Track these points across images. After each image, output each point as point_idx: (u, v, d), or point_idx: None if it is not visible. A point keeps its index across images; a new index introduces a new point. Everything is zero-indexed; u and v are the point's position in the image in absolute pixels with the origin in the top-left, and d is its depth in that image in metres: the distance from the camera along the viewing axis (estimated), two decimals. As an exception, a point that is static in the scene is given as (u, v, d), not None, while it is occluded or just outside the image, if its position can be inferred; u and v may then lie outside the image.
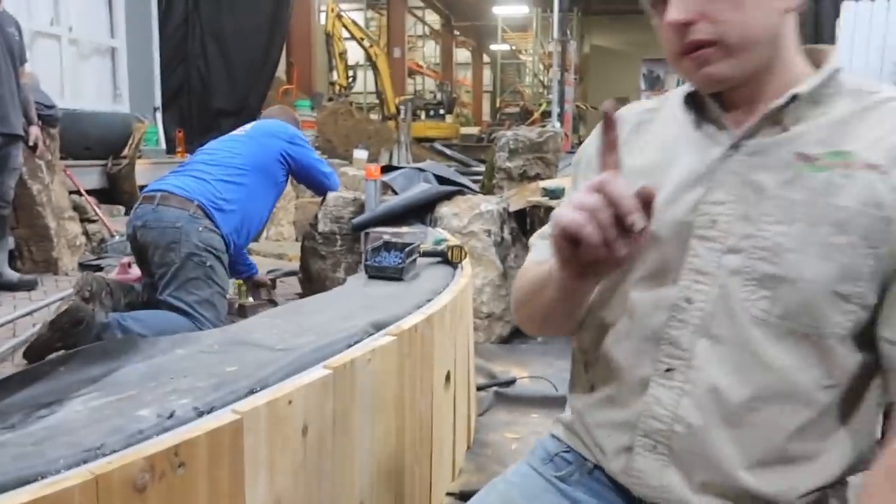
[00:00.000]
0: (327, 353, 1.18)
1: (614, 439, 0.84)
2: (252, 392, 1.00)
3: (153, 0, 7.78)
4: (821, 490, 0.77)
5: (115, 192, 5.39)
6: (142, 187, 5.39)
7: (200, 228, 2.59)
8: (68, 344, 2.24)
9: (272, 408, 0.97)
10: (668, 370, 0.78)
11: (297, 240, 6.33)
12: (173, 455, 0.83)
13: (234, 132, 3.09)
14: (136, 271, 3.08)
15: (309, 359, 1.14)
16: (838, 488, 0.80)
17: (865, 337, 0.74)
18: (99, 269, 4.03)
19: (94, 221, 4.79)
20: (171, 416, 0.90)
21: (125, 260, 3.29)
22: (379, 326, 1.35)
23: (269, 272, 4.11)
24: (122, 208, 5.29)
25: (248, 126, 3.11)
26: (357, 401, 1.19)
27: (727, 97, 0.81)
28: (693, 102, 0.84)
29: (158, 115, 7.86)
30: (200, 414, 0.93)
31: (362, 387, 1.20)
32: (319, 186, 3.20)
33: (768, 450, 0.75)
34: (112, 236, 4.65)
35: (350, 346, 1.24)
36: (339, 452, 1.14)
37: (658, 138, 0.86)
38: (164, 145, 7.44)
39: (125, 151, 5.46)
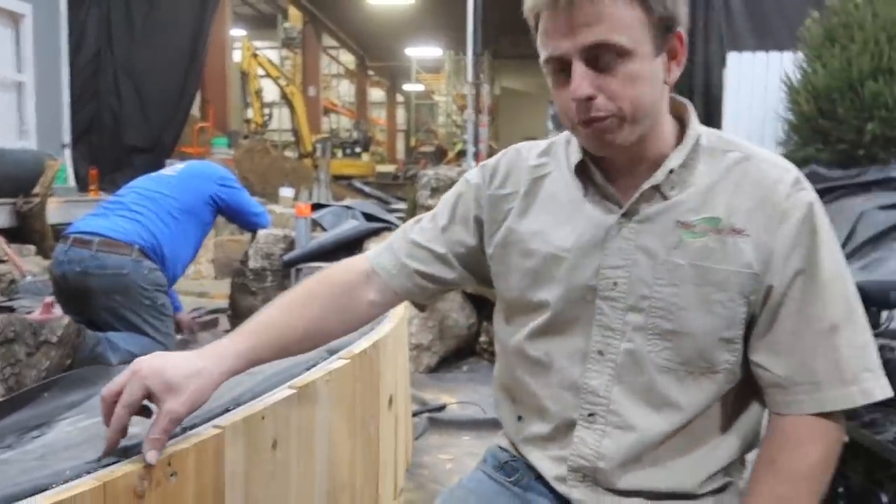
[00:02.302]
0: (289, 376, 1.29)
1: (549, 468, 0.98)
2: (228, 410, 1.10)
3: (63, 34, 7.62)
4: (718, 472, 0.94)
5: (26, 230, 5.21)
6: (53, 226, 5.24)
7: (146, 271, 2.62)
8: (74, 358, 2.26)
9: (248, 423, 1.07)
10: (590, 415, 0.93)
11: (216, 278, 6.26)
12: (167, 465, 0.92)
13: (164, 171, 3.12)
14: (58, 311, 3.04)
15: (274, 380, 1.25)
16: (736, 465, 0.97)
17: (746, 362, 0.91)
18: (11, 310, 3.89)
19: (2, 262, 4.62)
20: (158, 431, 0.99)
21: (49, 299, 3.22)
22: (332, 351, 1.47)
23: (193, 311, 4.09)
24: (32, 247, 5.11)
25: (178, 166, 3.15)
26: (317, 419, 1.30)
27: (611, 163, 0.92)
28: (581, 170, 0.94)
29: (67, 152, 7.64)
30: (184, 429, 1.02)
31: (321, 406, 1.31)
32: (250, 226, 3.27)
33: (675, 462, 0.91)
34: (24, 277, 4.49)
35: (308, 368, 1.35)
36: (302, 466, 1.25)
37: (553, 202, 0.97)
38: (73, 183, 7.23)
39: (36, 189, 5.29)
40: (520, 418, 1.03)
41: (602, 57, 0.83)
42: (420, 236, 1.06)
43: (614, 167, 0.93)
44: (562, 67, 0.86)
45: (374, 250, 1.11)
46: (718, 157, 0.91)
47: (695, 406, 0.90)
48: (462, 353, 3.63)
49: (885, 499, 1.03)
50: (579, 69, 0.83)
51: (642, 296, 0.89)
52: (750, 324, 0.89)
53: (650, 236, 0.89)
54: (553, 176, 0.99)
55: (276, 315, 1.02)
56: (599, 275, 0.91)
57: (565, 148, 0.99)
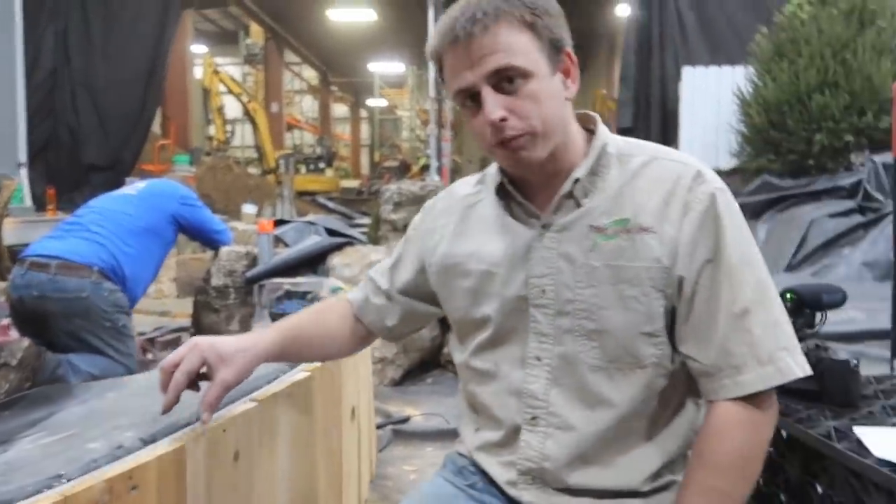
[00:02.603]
0: (251, 388, 1.31)
1: (500, 474, 1.03)
2: (189, 424, 1.12)
3: (18, 50, 7.48)
4: (661, 468, 0.97)
5: (-21, 252, 5.09)
6: (9, 247, 5.13)
7: (106, 293, 2.58)
8: (34, 381, 2.22)
9: (210, 436, 1.09)
10: (532, 418, 0.98)
11: (178, 296, 6.19)
12: (128, 478, 0.93)
13: (123, 190, 3.09)
14: (15, 334, 2.98)
15: (235, 393, 1.26)
16: (679, 461, 1.01)
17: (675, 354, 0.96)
18: (-36, 333, 3.79)
19: (-45, 284, 4.50)
20: (119, 446, 1.00)
21: (4, 321, 3.16)
22: (294, 365, 1.49)
23: (155, 330, 4.05)
24: (-14, 269, 4.99)
25: (138, 185, 3.13)
26: (279, 431, 1.32)
27: (529, 181, 0.99)
28: (503, 192, 1.02)
29: (23, 171, 7.48)
30: (146, 444, 1.03)
31: (283, 418, 1.33)
32: (212, 243, 3.26)
33: (618, 459, 0.96)
34: (-23, 299, 4.38)
35: (270, 381, 1.37)
36: (265, 478, 1.27)
37: (482, 223, 1.05)
38: (30, 202, 7.08)
39: (-9, 209, 5.18)
40: (477, 429, 1.08)
41: (506, 81, 0.91)
42: (384, 286, 1.19)
43: (532, 184, 0.99)
44: (471, 97, 0.93)
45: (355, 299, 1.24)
46: (627, 162, 0.98)
47: (627, 401, 0.95)
48: (426, 365, 3.66)
49: (819, 490, 1.09)
50: (489, 95, 0.91)
51: (567, 300, 0.95)
52: (673, 317, 0.94)
53: (569, 243, 0.95)
54: (484, 202, 1.06)
55: (303, 323, 1.17)
56: (528, 284, 0.97)
57: (494, 175, 1.06)
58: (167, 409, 1.00)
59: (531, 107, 0.91)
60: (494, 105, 0.90)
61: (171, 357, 1.01)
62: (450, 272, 1.07)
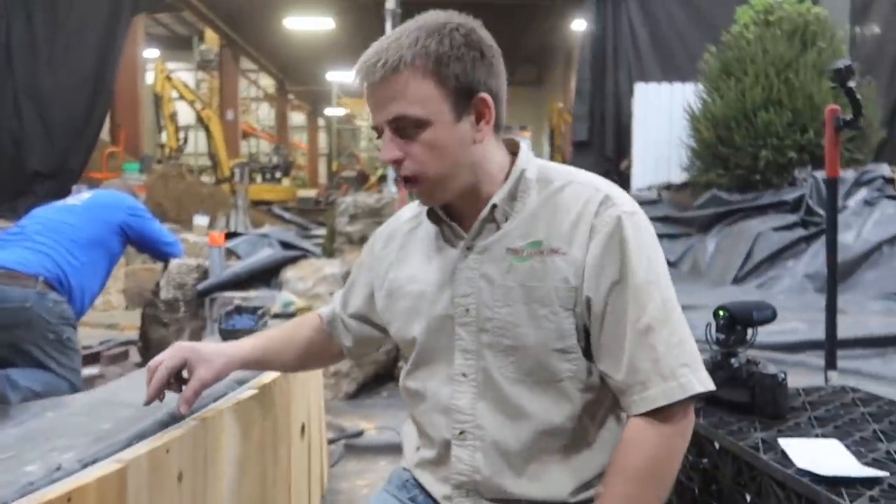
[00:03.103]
0: (196, 407, 1.30)
1: (438, 490, 1.07)
2: (131, 444, 1.11)
3: (-41, 55, 7.25)
4: (590, 480, 1.01)
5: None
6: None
7: (51, 304, 2.51)
8: None
9: (152, 456, 1.08)
10: (461, 433, 1.03)
11: (127, 308, 6.05)
12: (66, 501, 0.92)
13: (68, 201, 3.02)
14: None
15: (180, 413, 1.26)
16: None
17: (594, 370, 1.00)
18: None
19: None
20: (58, 468, 0.99)
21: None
22: (241, 382, 1.48)
23: (102, 343, 3.96)
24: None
25: (84, 195, 3.06)
26: (225, 450, 1.31)
27: (454, 208, 1.05)
28: (434, 215, 1.07)
29: (-37, 179, 7.23)
30: (85, 465, 1.02)
31: (229, 437, 1.33)
32: (162, 256, 3.20)
33: (545, 471, 1.00)
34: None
35: (216, 399, 1.36)
36: (210, 499, 1.26)
37: (420, 246, 1.11)
38: (-31, 210, 6.84)
39: (-72, 218, 5.00)
40: (417, 448, 1.13)
41: (404, 127, 0.96)
42: (341, 312, 1.27)
43: (459, 210, 1.06)
44: (380, 134, 1.01)
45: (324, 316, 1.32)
46: (546, 185, 1.03)
47: (546, 413, 0.99)
48: (381, 378, 3.66)
49: (748, 498, 1.14)
50: (387, 137, 0.98)
51: (487, 318, 1.01)
52: (588, 335, 0.99)
53: (489, 264, 1.01)
54: (423, 224, 1.12)
55: (280, 334, 1.29)
56: (454, 303, 1.03)
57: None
58: (149, 402, 1.14)
59: (425, 154, 0.97)
60: (389, 148, 0.98)
61: (156, 358, 1.15)
62: (392, 296, 1.13)
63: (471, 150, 1.00)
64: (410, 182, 0.99)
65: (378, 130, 1.00)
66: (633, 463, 0.93)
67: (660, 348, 0.93)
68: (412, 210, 1.17)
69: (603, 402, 1.02)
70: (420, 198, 1.03)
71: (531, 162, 1.05)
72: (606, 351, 0.97)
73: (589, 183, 1.02)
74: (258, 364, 1.25)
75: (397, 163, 0.98)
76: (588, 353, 0.99)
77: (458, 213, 1.06)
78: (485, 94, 0.98)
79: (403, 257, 1.13)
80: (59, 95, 8.65)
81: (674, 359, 0.93)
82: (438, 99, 0.95)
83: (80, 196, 3.05)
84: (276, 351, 1.26)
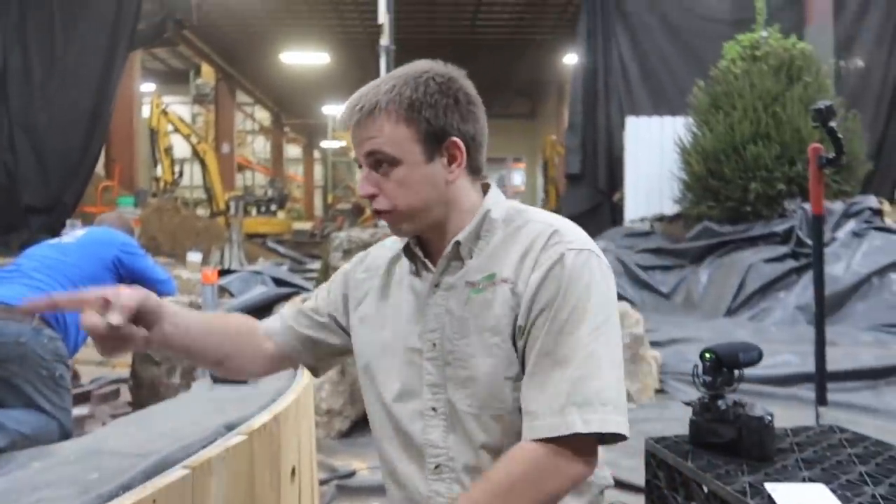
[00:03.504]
0: (184, 455, 1.30)
1: None
2: (118, 494, 1.11)
3: (-45, 92, 7.31)
4: None
5: None
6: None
7: (46, 340, 2.51)
8: None
9: (139, 508, 1.08)
10: (436, 467, 1.06)
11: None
12: (50, 556, 0.92)
13: (63, 239, 3.04)
14: None
15: (168, 461, 1.25)
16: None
17: None
18: None
19: None
20: (43, 522, 0.98)
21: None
22: (230, 427, 1.48)
23: (93, 381, 3.93)
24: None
25: (78, 232, 3.07)
26: (213, 499, 1.31)
27: (428, 244, 1.11)
28: (409, 250, 1.13)
29: (-44, 214, 7.24)
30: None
31: (218, 485, 1.32)
32: (154, 294, 3.18)
33: None
34: None
35: (205, 446, 1.36)
36: (197, 547, 1.25)
37: (397, 281, 1.15)
38: (-37, 246, 6.83)
39: (-80, 255, 4.99)
40: (397, 485, 1.12)
41: (379, 162, 1.05)
42: (304, 305, 1.27)
43: (432, 245, 1.11)
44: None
45: (269, 318, 1.30)
46: (510, 224, 1.09)
47: (506, 446, 1.00)
48: (374, 415, 3.63)
49: (736, 544, 1.14)
50: (363, 172, 1.07)
51: (448, 350, 1.05)
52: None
53: (453, 300, 1.06)
54: (403, 259, 1.17)
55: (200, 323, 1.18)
56: (422, 338, 1.07)
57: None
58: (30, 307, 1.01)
59: (396, 190, 1.04)
60: (364, 182, 1.07)
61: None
62: (366, 323, 1.16)
63: (443, 189, 1.06)
64: (382, 214, 1.06)
65: (359, 164, 1.08)
66: (497, 476, 0.95)
67: (561, 385, 0.95)
68: (397, 243, 1.19)
69: None
70: (391, 229, 1.09)
71: (499, 203, 1.10)
72: (527, 378, 1.00)
73: (544, 220, 1.07)
74: (169, 346, 1.11)
75: (371, 197, 1.06)
76: None
77: (431, 250, 1.11)
78: (456, 139, 1.05)
79: (383, 287, 1.16)
80: (55, 129, 8.69)
81: (565, 397, 0.94)
82: (410, 140, 1.03)
83: (75, 233, 3.06)
84: (195, 343, 1.15)
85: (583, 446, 0.95)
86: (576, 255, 1.00)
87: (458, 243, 1.06)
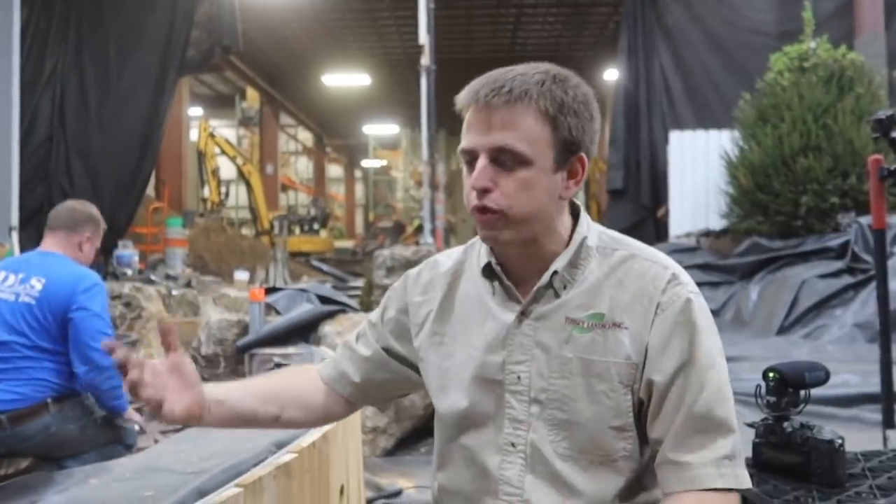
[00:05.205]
0: (236, 473, 1.30)
1: None
2: (172, 512, 1.11)
3: (14, 115, 7.61)
4: None
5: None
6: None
7: (70, 411, 2.42)
8: None
9: (193, 526, 1.08)
10: None
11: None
12: (108, 574, 0.92)
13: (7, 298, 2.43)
14: None
15: (220, 479, 1.25)
16: None
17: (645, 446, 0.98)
18: None
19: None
20: (101, 539, 0.99)
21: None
22: (280, 445, 1.48)
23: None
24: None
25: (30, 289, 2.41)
26: (264, 516, 1.30)
27: (513, 263, 1.02)
28: (489, 270, 1.03)
29: (15, 235, 7.50)
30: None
31: (270, 502, 1.31)
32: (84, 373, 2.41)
33: None
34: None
35: (256, 464, 1.36)
36: (249, 566, 1.24)
37: (467, 302, 1.07)
38: (21, 267, 7.07)
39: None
40: None
41: (504, 158, 0.94)
42: (357, 347, 1.19)
43: (516, 267, 1.02)
44: (471, 159, 0.98)
45: (323, 363, 1.23)
46: (608, 255, 1.01)
47: (600, 494, 0.95)
48: (420, 433, 3.61)
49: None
50: (482, 163, 0.95)
51: (541, 388, 0.97)
52: (641, 412, 0.96)
53: (546, 332, 0.98)
54: (467, 275, 1.09)
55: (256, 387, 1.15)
56: (505, 370, 1.00)
57: (478, 249, 1.09)
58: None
59: (516, 192, 0.94)
60: (483, 174, 0.95)
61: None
62: (432, 349, 1.08)
63: (555, 203, 0.99)
64: (490, 213, 0.95)
65: (468, 154, 0.97)
66: None
67: (708, 435, 0.92)
68: (450, 260, 1.13)
69: (648, 479, 0.99)
70: (489, 231, 0.97)
71: (592, 228, 1.03)
72: (660, 425, 0.95)
73: (654, 258, 1.00)
74: (231, 410, 1.07)
75: (485, 192, 0.95)
76: (643, 433, 0.97)
77: (515, 271, 1.02)
78: (583, 155, 0.99)
79: (446, 309, 1.08)
80: (108, 153, 8.98)
81: (718, 449, 0.92)
82: (547, 144, 0.95)
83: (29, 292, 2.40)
84: (251, 412, 1.10)
85: (722, 496, 0.92)
86: (697, 300, 0.96)
87: (555, 273, 0.98)
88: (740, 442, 0.94)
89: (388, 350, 1.16)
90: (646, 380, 0.94)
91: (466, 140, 0.97)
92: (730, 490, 0.91)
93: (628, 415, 0.95)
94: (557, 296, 0.99)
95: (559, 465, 0.96)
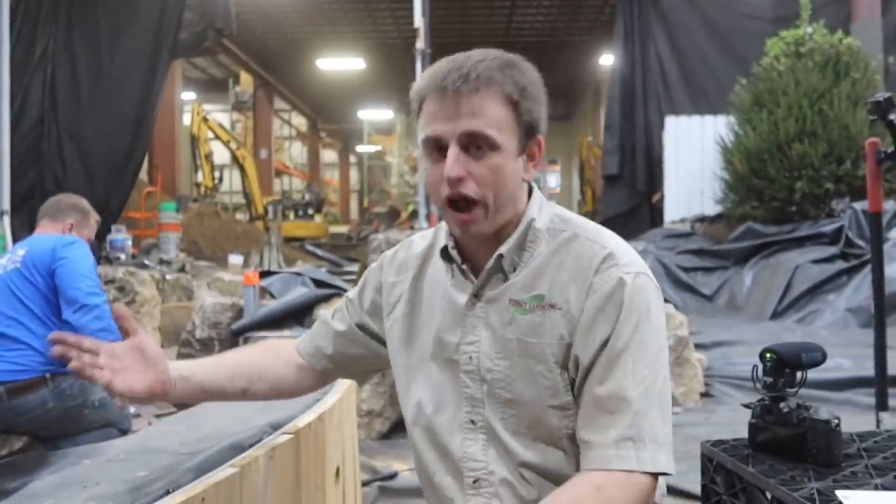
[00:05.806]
0: (231, 454, 1.29)
1: None
2: (168, 492, 1.10)
3: (4, 98, 7.51)
4: None
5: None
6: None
7: (67, 388, 2.42)
8: None
9: (188, 506, 1.07)
10: (474, 481, 1.01)
11: (163, 346, 6.11)
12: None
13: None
14: None
15: (215, 459, 1.25)
16: None
17: None
18: None
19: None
20: (95, 518, 0.98)
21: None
22: (276, 426, 1.47)
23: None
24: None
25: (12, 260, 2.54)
26: (260, 496, 1.30)
27: (469, 244, 1.01)
28: (447, 253, 1.03)
29: (6, 219, 7.44)
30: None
31: (265, 484, 1.31)
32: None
33: None
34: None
35: (251, 445, 1.35)
36: (245, 547, 1.24)
37: (433, 285, 1.07)
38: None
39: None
40: (426, 493, 1.09)
41: (474, 145, 0.93)
42: (333, 322, 1.22)
43: (473, 250, 1.02)
44: (438, 148, 0.96)
45: (300, 337, 1.26)
46: (556, 236, 1.00)
47: (552, 466, 0.97)
48: (414, 417, 3.61)
49: (804, 553, 1.08)
50: (454, 152, 0.93)
51: (487, 368, 0.99)
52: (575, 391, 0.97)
53: (493, 314, 1.00)
54: (434, 261, 1.09)
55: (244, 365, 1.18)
56: (459, 350, 1.02)
57: (445, 230, 1.07)
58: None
59: (490, 177, 0.94)
60: (456, 163, 0.93)
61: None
62: (401, 330, 1.10)
63: (520, 187, 1.00)
64: (468, 203, 0.94)
65: (435, 143, 0.95)
66: (559, 500, 0.90)
67: (614, 415, 0.92)
68: (424, 241, 1.14)
69: None
70: (467, 229, 0.96)
71: (543, 210, 1.03)
72: (582, 407, 0.96)
73: (595, 238, 1.00)
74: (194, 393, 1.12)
75: (461, 181, 0.93)
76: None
77: (472, 253, 1.03)
78: (541, 137, 1.00)
79: (416, 291, 1.09)
80: (100, 137, 8.91)
81: (623, 430, 0.91)
82: (512, 128, 0.95)
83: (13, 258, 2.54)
84: (223, 385, 1.15)
85: (630, 478, 0.91)
86: (633, 281, 0.95)
87: (500, 256, 0.98)
88: (661, 427, 0.93)
89: (361, 326, 1.18)
90: (573, 358, 0.95)
91: (432, 128, 0.95)
92: (632, 472, 0.90)
93: (567, 394, 0.96)
94: (506, 278, 1.00)
95: (509, 441, 0.98)
